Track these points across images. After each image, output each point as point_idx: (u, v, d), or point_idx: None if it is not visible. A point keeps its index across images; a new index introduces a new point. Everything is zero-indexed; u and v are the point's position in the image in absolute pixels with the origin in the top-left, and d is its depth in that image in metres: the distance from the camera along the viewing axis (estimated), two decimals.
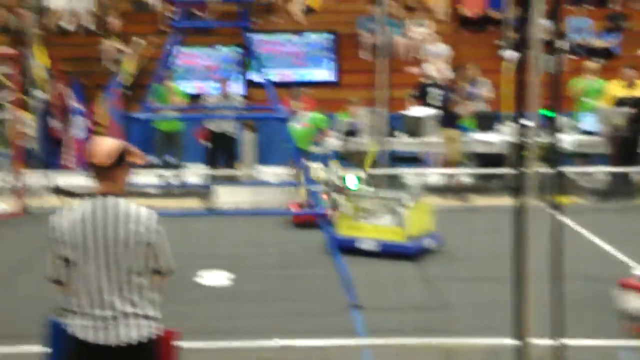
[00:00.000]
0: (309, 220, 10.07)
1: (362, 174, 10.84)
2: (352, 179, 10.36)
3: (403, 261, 8.90)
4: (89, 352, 3.91)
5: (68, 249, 3.92)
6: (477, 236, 9.36)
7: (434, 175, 13.37)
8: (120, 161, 3.97)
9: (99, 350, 3.90)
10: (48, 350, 4.10)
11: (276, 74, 13.75)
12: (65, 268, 3.95)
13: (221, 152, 13.16)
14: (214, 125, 13.00)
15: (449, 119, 12.92)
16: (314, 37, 14.77)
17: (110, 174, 3.97)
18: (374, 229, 9.21)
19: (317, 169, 11.23)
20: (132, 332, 3.92)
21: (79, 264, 3.91)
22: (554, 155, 3.29)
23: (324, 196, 10.58)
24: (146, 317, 3.97)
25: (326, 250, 8.43)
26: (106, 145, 3.98)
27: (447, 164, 12.97)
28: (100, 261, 3.91)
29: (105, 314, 3.90)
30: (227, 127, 13.04)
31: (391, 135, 13.13)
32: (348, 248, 8.90)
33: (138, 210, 3.98)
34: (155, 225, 3.99)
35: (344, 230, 9.26)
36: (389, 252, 8.98)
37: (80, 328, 3.92)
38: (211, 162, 13.12)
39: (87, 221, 3.92)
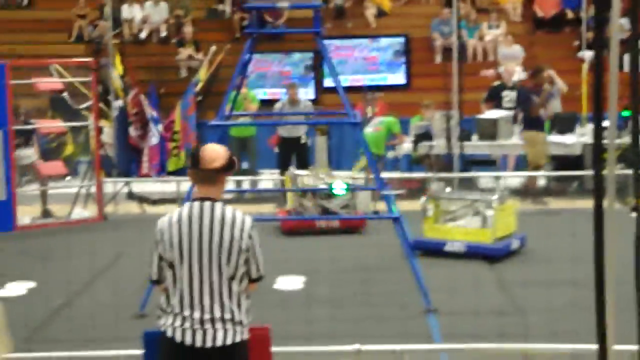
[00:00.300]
0: (299, 227, 10.32)
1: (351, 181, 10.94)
2: (340, 185, 10.56)
3: (479, 264, 8.82)
4: (180, 352, 3.98)
5: (166, 250, 4.00)
6: (555, 239, 9.21)
7: (510, 178, 13.19)
8: (229, 167, 4.06)
9: (190, 351, 3.96)
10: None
11: (348, 79, 13.76)
12: (165, 269, 4.04)
13: (292, 157, 13.21)
14: (284, 131, 13.07)
15: (531, 122, 12.67)
16: (386, 41, 14.74)
17: (213, 180, 4.05)
18: (460, 231, 9.29)
19: (303, 176, 11.26)
20: (227, 336, 3.96)
21: (175, 265, 3.99)
22: (634, 157, 3.20)
23: (310, 202, 10.67)
24: (240, 323, 4.01)
25: (401, 254, 8.38)
26: (216, 151, 4.06)
27: (530, 166, 12.77)
28: (195, 264, 3.97)
29: (196, 316, 3.96)
30: (297, 132, 13.09)
31: (464, 138, 13.01)
32: (433, 250, 9.03)
33: (234, 214, 4.03)
34: (249, 231, 4.03)
35: (430, 232, 9.35)
36: (475, 254, 9.01)
37: (173, 328, 3.99)
38: (282, 167, 13.19)
39: (184, 224, 4.00)
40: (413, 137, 13.38)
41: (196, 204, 4.04)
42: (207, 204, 4.03)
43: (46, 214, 11.70)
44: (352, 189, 10.71)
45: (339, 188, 10.51)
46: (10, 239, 10.39)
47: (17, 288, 8.38)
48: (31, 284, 8.46)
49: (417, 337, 6.45)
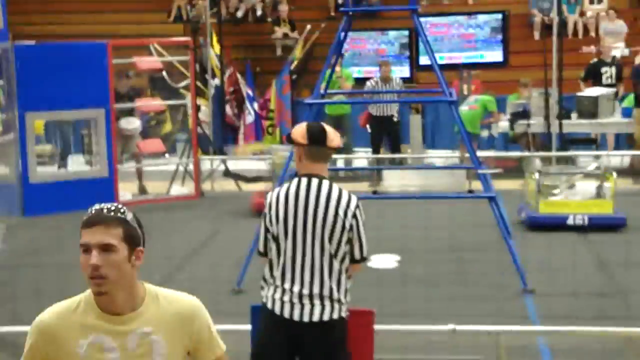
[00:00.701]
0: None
1: None
2: None
3: (578, 244, 8.65)
4: (279, 324, 4.03)
5: (272, 223, 4.05)
6: None
7: (611, 157, 12.85)
8: (327, 143, 4.07)
9: (288, 324, 4.01)
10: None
11: (444, 56, 13.59)
12: (270, 242, 4.08)
13: (385, 136, 13.15)
14: (375, 109, 13.00)
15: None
16: (483, 17, 14.49)
17: (326, 157, 4.10)
18: (580, 204, 9.42)
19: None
20: (324, 313, 3.99)
21: (279, 239, 4.04)
22: None
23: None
24: (338, 301, 4.02)
25: (497, 234, 8.28)
26: (330, 130, 4.11)
27: (636, 145, 12.45)
28: (298, 239, 4.01)
29: (296, 290, 4.00)
30: (390, 111, 13.01)
31: (563, 116, 12.72)
32: (554, 225, 9.18)
33: (341, 193, 4.05)
34: (354, 210, 4.03)
35: (545, 208, 9.40)
36: (598, 226, 9.16)
37: (273, 300, 4.04)
38: (374, 146, 13.15)
39: (291, 199, 4.03)
40: (510, 116, 13.15)
41: (304, 179, 4.06)
42: (315, 180, 4.05)
43: (142, 190, 11.99)
44: (446, 168, 10.61)
45: None
46: None
47: None
48: None
49: (514, 318, 6.37)
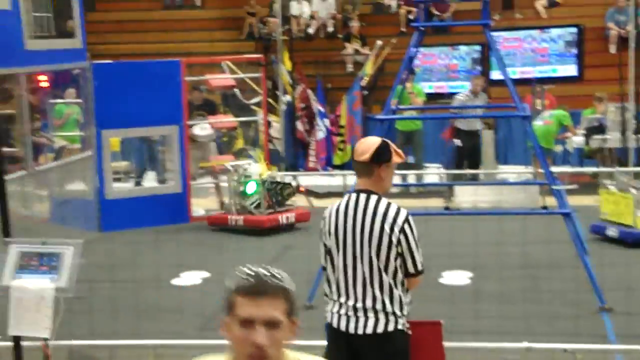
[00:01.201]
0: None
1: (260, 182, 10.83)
2: (251, 185, 10.74)
3: None
4: (338, 338, 4.09)
5: (326, 238, 4.12)
6: None
7: None
8: (379, 158, 4.05)
9: (345, 337, 4.06)
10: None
11: (517, 71, 13.45)
12: (325, 255, 4.15)
13: (468, 151, 13.06)
14: (463, 124, 12.93)
15: None
16: (557, 31, 14.30)
17: (368, 171, 4.08)
18: None
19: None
20: (378, 325, 4.01)
21: (333, 253, 4.09)
22: None
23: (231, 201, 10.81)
24: (393, 314, 4.03)
25: (572, 251, 8.12)
26: (367, 143, 4.11)
27: None
28: (349, 254, 4.05)
29: (350, 303, 4.05)
30: (476, 125, 12.94)
31: None
32: None
33: (388, 207, 4.04)
34: (402, 225, 4.01)
35: None
36: None
37: (331, 314, 4.11)
38: (459, 161, 13.06)
39: (341, 214, 4.08)
40: (585, 131, 12.94)
41: (353, 195, 4.12)
42: (363, 195, 4.08)
43: (222, 205, 12.10)
44: (519, 184, 10.46)
45: (250, 187, 10.79)
46: (186, 230, 10.81)
47: (192, 277, 8.71)
48: (205, 274, 8.77)
49: (591, 337, 6.23)
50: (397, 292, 4.03)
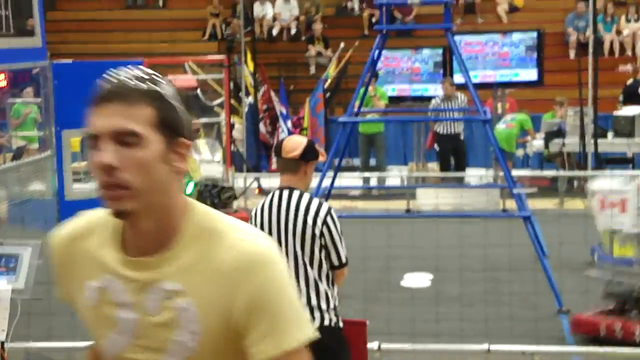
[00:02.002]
0: None
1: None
2: (189, 187, 10.75)
3: None
4: None
5: None
6: None
7: None
8: (305, 157, 4.16)
9: None
10: None
11: (479, 75, 13.56)
12: None
13: (451, 154, 13.14)
14: (442, 128, 13.02)
15: None
16: (518, 36, 14.44)
17: (294, 169, 4.17)
18: None
19: None
20: None
21: None
22: None
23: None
24: (319, 308, 4.06)
25: (532, 254, 8.20)
26: (295, 142, 4.23)
27: None
28: None
29: None
30: (456, 129, 13.00)
31: (599, 136, 12.61)
32: None
33: (309, 202, 4.14)
34: (324, 217, 4.10)
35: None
36: None
37: None
38: (443, 165, 13.15)
39: (266, 212, 4.18)
40: (545, 135, 13.08)
41: (277, 192, 4.20)
42: (286, 192, 4.17)
43: None
44: (481, 187, 10.53)
45: (188, 188, 10.80)
46: None
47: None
48: None
49: (549, 339, 6.30)
50: (322, 286, 4.08)
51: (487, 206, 11.27)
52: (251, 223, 4.19)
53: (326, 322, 4.07)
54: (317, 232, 4.07)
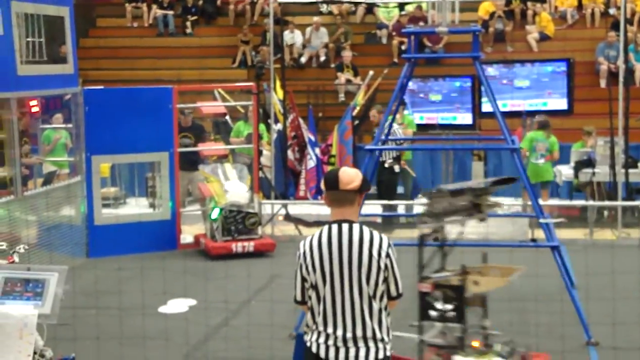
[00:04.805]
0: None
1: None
2: (215, 212, 11.07)
3: None
4: None
5: (309, 272, 4.13)
6: None
7: None
8: (363, 188, 4.18)
9: None
10: None
11: (507, 104, 13.50)
12: (309, 290, 4.16)
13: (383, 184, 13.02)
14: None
15: None
16: (547, 65, 14.38)
17: (351, 201, 4.16)
18: None
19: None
20: (369, 354, 4.05)
21: (318, 286, 4.10)
22: None
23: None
24: (382, 340, 4.09)
25: (559, 284, 8.11)
26: (351, 174, 4.18)
27: None
28: (337, 284, 4.08)
29: (339, 334, 4.06)
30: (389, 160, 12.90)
31: (630, 165, 12.51)
32: None
33: (372, 235, 4.13)
34: (387, 250, 4.10)
35: None
36: None
37: (318, 344, 4.11)
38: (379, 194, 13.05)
39: (324, 246, 4.11)
40: (574, 164, 12.99)
41: (335, 225, 4.15)
42: (346, 225, 4.13)
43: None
44: (508, 216, 10.41)
45: (214, 213, 11.05)
46: (174, 257, 10.78)
47: (179, 305, 8.67)
48: (192, 302, 8.73)
49: None
50: (384, 318, 4.11)
51: (515, 236, 11.18)
52: (305, 260, 4.14)
53: (388, 353, 4.11)
54: (382, 264, 4.07)
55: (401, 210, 13.40)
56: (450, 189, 6.47)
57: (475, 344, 5.83)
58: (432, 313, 5.80)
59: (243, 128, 13.47)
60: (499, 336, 6.19)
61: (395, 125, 12.56)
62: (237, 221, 11.21)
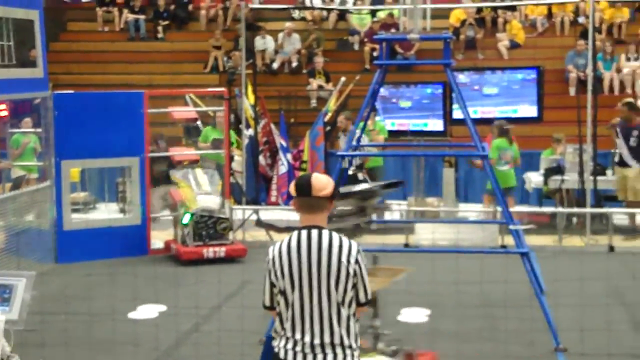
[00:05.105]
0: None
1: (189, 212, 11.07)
2: (186, 217, 11.03)
3: (612, 304, 8.51)
4: None
5: (278, 278, 4.10)
6: None
7: None
8: (335, 194, 4.18)
9: None
10: None
11: (478, 111, 13.59)
12: (277, 296, 4.14)
13: None
14: None
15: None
16: (518, 72, 14.50)
17: (322, 207, 4.15)
18: None
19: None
20: None
21: (287, 292, 4.08)
22: None
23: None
24: (350, 347, 4.07)
25: (529, 291, 8.17)
26: (324, 180, 4.18)
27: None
28: (305, 291, 4.06)
29: (307, 340, 4.05)
30: None
31: (598, 173, 12.64)
32: None
33: (342, 241, 4.11)
34: (356, 256, 4.09)
35: None
36: None
37: (285, 350, 4.09)
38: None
39: (294, 252, 4.09)
40: (544, 171, 13.09)
41: (304, 232, 4.13)
42: (315, 231, 4.11)
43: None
44: (478, 222, 10.49)
45: (185, 218, 11.02)
46: (144, 263, 10.72)
47: (149, 311, 8.62)
48: (162, 307, 8.69)
49: None
50: (352, 325, 4.10)
51: (485, 242, 11.25)
52: (274, 266, 4.11)
53: None
54: (351, 270, 4.05)
55: (373, 216, 13.42)
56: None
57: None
58: None
59: (210, 133, 13.45)
60: (387, 335, 6.30)
61: (358, 132, 12.66)
62: (208, 226, 11.18)
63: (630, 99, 13.93)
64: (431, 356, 6.64)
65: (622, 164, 12.41)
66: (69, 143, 10.99)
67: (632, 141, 12.29)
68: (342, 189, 6.66)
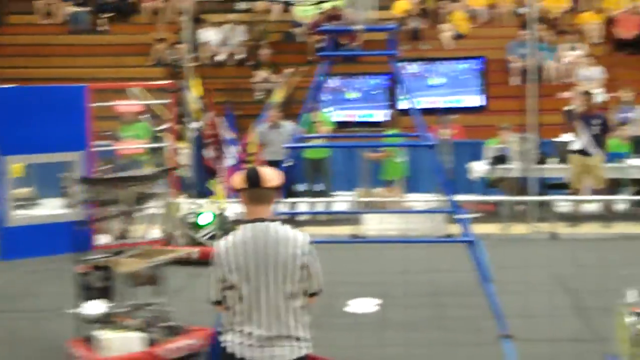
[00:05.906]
0: None
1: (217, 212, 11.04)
2: (206, 216, 10.94)
3: (555, 291, 8.65)
4: None
5: (226, 273, 4.07)
6: (634, 267, 8.98)
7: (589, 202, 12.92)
8: (262, 184, 4.16)
9: None
10: None
11: (423, 101, 13.69)
12: (225, 290, 4.10)
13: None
14: (269, 155, 13.23)
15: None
16: (462, 63, 14.63)
17: (269, 199, 4.15)
18: None
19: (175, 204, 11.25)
20: (286, 353, 4.01)
21: (236, 286, 4.05)
22: None
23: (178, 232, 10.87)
24: (298, 339, 4.07)
25: (476, 278, 8.27)
26: (270, 171, 4.19)
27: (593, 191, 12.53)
28: (258, 283, 4.05)
29: (257, 333, 4.03)
30: (278, 156, 13.08)
31: (541, 161, 12.82)
32: None
33: (293, 233, 4.12)
34: (306, 247, 4.10)
35: None
36: None
37: (234, 344, 4.06)
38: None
39: (245, 244, 4.07)
40: (491, 160, 13.24)
41: (251, 225, 4.12)
42: (263, 224, 4.11)
43: (123, 234, 11.88)
44: (426, 212, 10.58)
45: (205, 218, 10.89)
46: None
47: (96, 307, 8.50)
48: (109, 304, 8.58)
49: None
50: (303, 316, 4.11)
51: (433, 231, 11.36)
52: (223, 260, 4.07)
53: (304, 351, 4.09)
54: (301, 262, 4.06)
55: (320, 207, 13.47)
56: (108, 177, 7.07)
57: (125, 320, 6.57)
58: (89, 292, 6.71)
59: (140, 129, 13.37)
60: (165, 312, 6.79)
61: (285, 124, 12.74)
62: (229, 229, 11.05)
63: (587, 88, 14.13)
64: (204, 332, 6.76)
65: (582, 152, 12.42)
66: (11, 138, 10.81)
67: (593, 129, 12.36)
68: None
